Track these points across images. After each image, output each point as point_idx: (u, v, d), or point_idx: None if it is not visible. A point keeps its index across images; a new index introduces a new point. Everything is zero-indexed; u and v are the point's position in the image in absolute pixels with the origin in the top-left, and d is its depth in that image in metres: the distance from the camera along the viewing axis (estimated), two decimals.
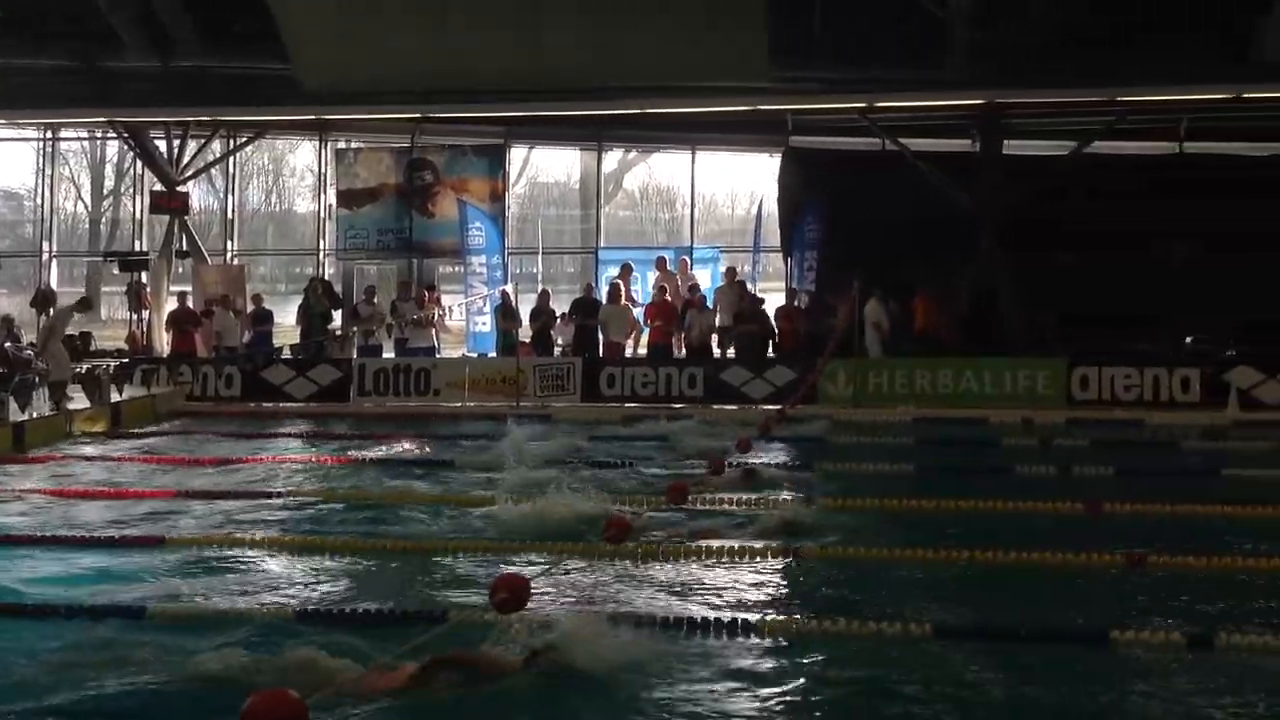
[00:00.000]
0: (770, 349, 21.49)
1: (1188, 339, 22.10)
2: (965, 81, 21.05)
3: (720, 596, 7.79)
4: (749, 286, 23.18)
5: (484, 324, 23.76)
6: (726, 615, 7.09)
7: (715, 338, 21.94)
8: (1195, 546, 8.71)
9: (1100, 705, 5.82)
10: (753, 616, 7.09)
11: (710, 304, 22.26)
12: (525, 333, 22.25)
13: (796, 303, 22.60)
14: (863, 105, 22.01)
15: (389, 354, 22.36)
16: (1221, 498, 10.83)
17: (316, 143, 27.64)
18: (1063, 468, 12.71)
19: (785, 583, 8.31)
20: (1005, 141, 22.54)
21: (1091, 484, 11.86)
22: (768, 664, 6.39)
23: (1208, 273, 23.21)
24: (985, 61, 20.60)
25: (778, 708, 5.79)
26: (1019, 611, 7.39)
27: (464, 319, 24.49)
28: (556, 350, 22.07)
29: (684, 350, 21.95)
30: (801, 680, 6.16)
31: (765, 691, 5.97)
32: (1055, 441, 15.29)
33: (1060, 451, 14.51)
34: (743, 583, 8.16)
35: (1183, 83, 20.25)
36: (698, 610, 7.33)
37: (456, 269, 25.85)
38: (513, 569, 7.87)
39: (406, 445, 15.53)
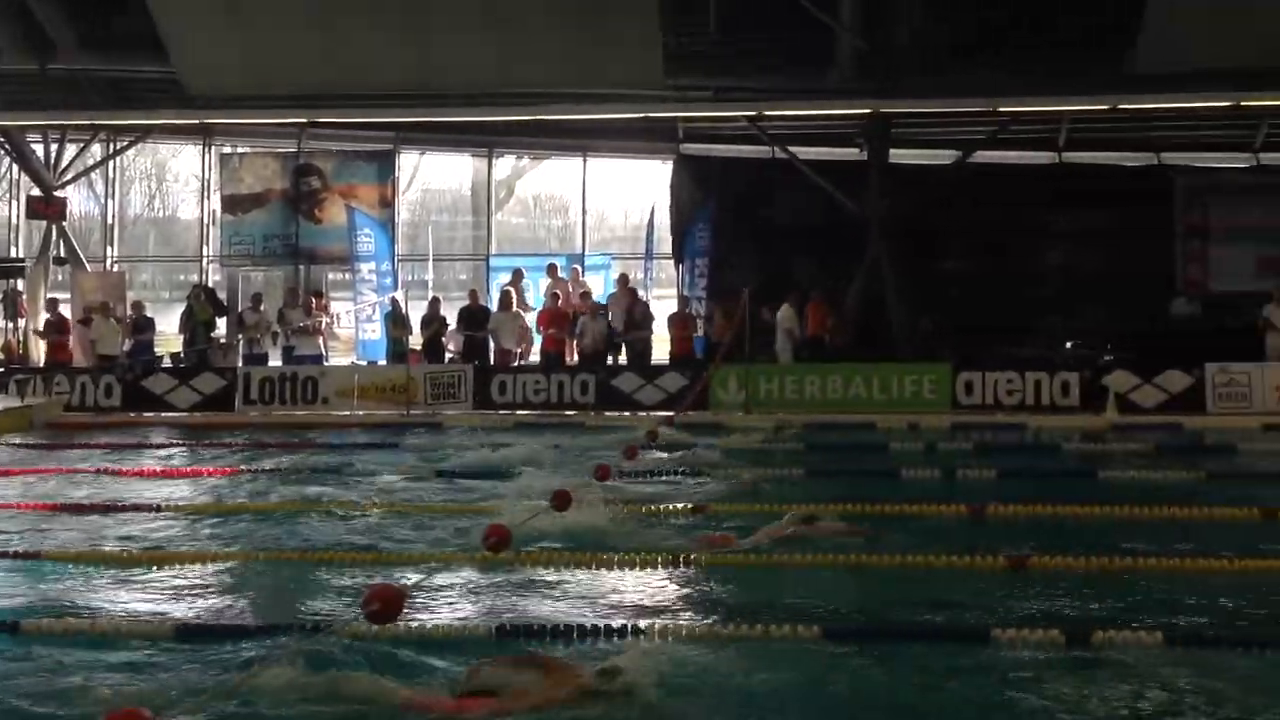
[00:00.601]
0: None
1: (1067, 344, 22.64)
2: (852, 91, 21.36)
3: (619, 601, 7.78)
4: (641, 294, 23.22)
5: (374, 331, 23.49)
6: (619, 621, 7.07)
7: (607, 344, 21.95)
8: (1075, 547, 8.91)
9: (983, 702, 5.91)
10: (654, 622, 7.07)
11: (602, 311, 22.25)
12: (416, 340, 22.04)
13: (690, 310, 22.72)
14: (752, 114, 22.18)
15: (275, 362, 21.99)
16: (1100, 499, 11.08)
17: (200, 147, 27.08)
18: (948, 471, 12.90)
19: (678, 589, 8.30)
20: (892, 150, 22.87)
21: (975, 486, 12.05)
22: (654, 669, 6.37)
23: (1086, 279, 23.89)
24: (872, 72, 20.92)
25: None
26: (906, 612, 7.48)
27: (353, 326, 24.18)
28: (448, 358, 21.89)
29: (576, 357, 21.93)
30: (698, 685, 6.15)
31: (653, 697, 5.95)
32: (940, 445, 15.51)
33: (946, 454, 14.73)
34: (638, 589, 8.15)
35: (1061, 94, 20.73)
36: (589, 618, 7.29)
37: (345, 276, 25.53)
38: (383, 580, 7.71)
39: (294, 454, 15.27)
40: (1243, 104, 21.24)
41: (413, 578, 8.03)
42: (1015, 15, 21.14)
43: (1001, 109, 21.58)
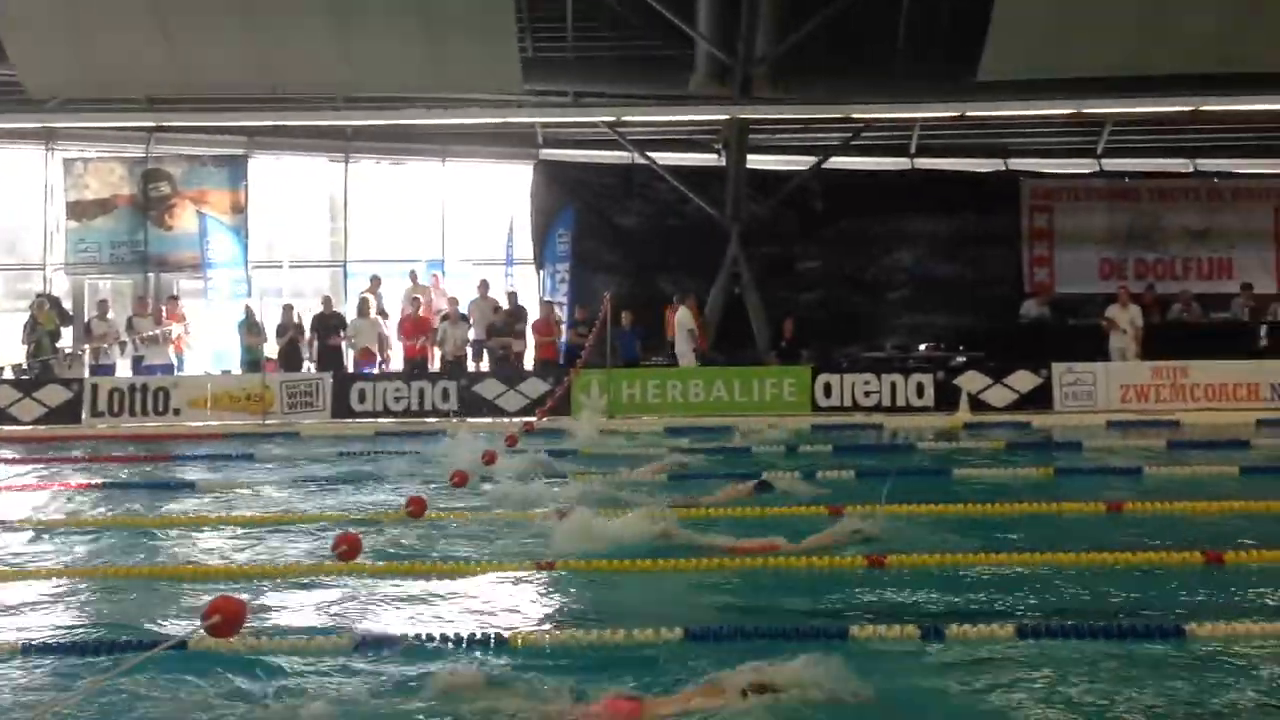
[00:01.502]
0: None
1: (921, 346, 23.15)
2: (710, 98, 21.54)
3: (475, 610, 7.69)
4: (505, 299, 23.10)
5: (227, 340, 22.91)
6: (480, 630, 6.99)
7: (469, 350, 21.80)
8: (930, 544, 9.09)
9: (846, 697, 5.97)
10: (505, 630, 7.00)
11: (464, 317, 22.08)
12: (272, 348, 21.59)
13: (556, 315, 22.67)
14: (611, 119, 22.23)
15: (124, 372, 21.33)
16: (954, 496, 11.32)
17: (43, 151, 26.10)
18: (808, 472, 13.04)
19: (536, 596, 8.24)
20: (750, 156, 23.12)
21: (833, 486, 12.21)
22: (515, 676, 6.32)
23: (938, 282, 24.50)
24: (729, 79, 21.13)
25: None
26: (766, 613, 7.53)
27: (206, 335, 23.57)
28: (305, 366, 21.49)
29: (437, 364, 21.72)
30: (550, 689, 6.10)
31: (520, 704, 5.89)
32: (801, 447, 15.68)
33: (806, 456, 14.91)
34: (493, 598, 8.07)
35: (912, 101, 21.18)
36: (457, 626, 7.19)
37: (197, 283, 24.86)
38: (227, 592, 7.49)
39: (144, 467, 14.83)
40: (1085, 110, 21.94)
41: (265, 589, 7.84)
42: (867, 25, 21.56)
43: (855, 116, 21.97)
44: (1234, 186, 25.10)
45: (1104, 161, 25.61)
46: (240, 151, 25.28)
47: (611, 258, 24.60)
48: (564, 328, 22.48)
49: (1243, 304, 23.17)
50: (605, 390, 19.67)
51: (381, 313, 22.52)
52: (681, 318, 21.31)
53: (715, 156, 24.63)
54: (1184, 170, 25.70)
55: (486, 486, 12.20)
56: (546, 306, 22.76)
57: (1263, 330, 21.92)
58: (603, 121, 22.89)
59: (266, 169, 26.14)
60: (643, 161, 23.66)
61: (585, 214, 24.34)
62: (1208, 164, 25.69)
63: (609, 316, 19.81)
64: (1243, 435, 15.74)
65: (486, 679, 6.04)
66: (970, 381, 19.58)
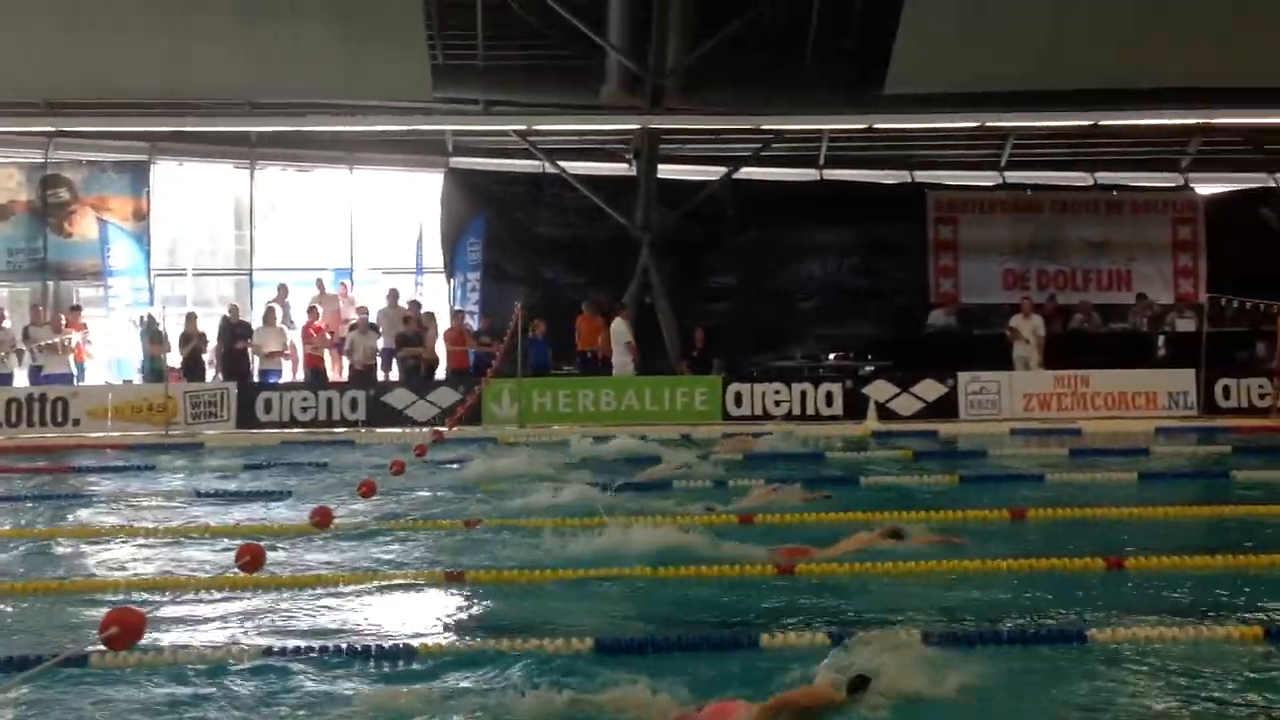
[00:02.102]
0: None
1: (830, 356, 23.37)
2: (621, 108, 21.58)
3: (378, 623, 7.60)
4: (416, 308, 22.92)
5: (129, 349, 22.45)
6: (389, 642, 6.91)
7: (379, 359, 21.60)
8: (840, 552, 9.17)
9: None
10: (414, 641, 6.93)
11: (373, 326, 21.86)
12: (175, 357, 21.20)
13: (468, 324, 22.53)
14: (522, 128, 22.17)
15: (22, 382, 20.80)
16: (863, 504, 11.43)
17: None
18: (718, 482, 13.09)
19: (446, 606, 8.17)
20: (661, 166, 23.19)
21: (745, 495, 12.25)
22: (427, 686, 6.26)
23: (847, 292, 24.77)
24: (641, 89, 21.18)
25: None
26: (680, 623, 7.53)
27: (107, 344, 23.07)
28: (209, 375, 21.14)
29: (345, 373, 21.49)
30: (458, 700, 6.07)
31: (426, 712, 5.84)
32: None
33: (717, 464, 14.96)
34: (401, 608, 8.00)
35: (820, 113, 21.39)
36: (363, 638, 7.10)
37: (99, 291, 24.32)
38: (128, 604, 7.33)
39: (40, 478, 14.47)
40: (988, 124, 22.32)
41: (166, 602, 7.69)
42: (777, 37, 21.75)
43: (765, 127, 22.14)
44: (1132, 199, 25.68)
45: (1007, 174, 26.08)
46: (143, 157, 24.77)
47: (522, 267, 24.54)
48: (474, 337, 22.34)
49: (1141, 314, 23.72)
50: (516, 399, 19.59)
51: (288, 321, 22.21)
52: (618, 329, 21.36)
53: (626, 166, 24.67)
54: (1084, 183, 26.25)
55: (395, 496, 12.10)
56: (457, 316, 22.61)
57: (1160, 340, 22.45)
58: (513, 130, 22.82)
59: (170, 175, 25.67)
60: (554, 171, 23.63)
61: (496, 223, 24.25)
62: (1107, 177, 26.27)
63: (520, 325, 19.73)
64: (1142, 443, 16.09)
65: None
66: (878, 390, 19.81)
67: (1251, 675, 6.09)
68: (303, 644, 6.86)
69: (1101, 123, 21.76)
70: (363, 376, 21.03)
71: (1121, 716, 5.77)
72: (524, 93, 22.24)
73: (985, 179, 26.19)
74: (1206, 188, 26.10)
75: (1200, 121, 22.27)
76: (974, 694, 6.00)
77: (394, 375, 21.66)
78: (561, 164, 23.41)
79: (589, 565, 8.89)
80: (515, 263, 24.49)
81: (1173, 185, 26.16)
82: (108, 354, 22.95)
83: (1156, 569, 8.61)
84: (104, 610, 7.79)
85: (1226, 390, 19.93)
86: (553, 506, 11.32)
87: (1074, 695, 6.02)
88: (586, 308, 22.26)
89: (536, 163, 24.18)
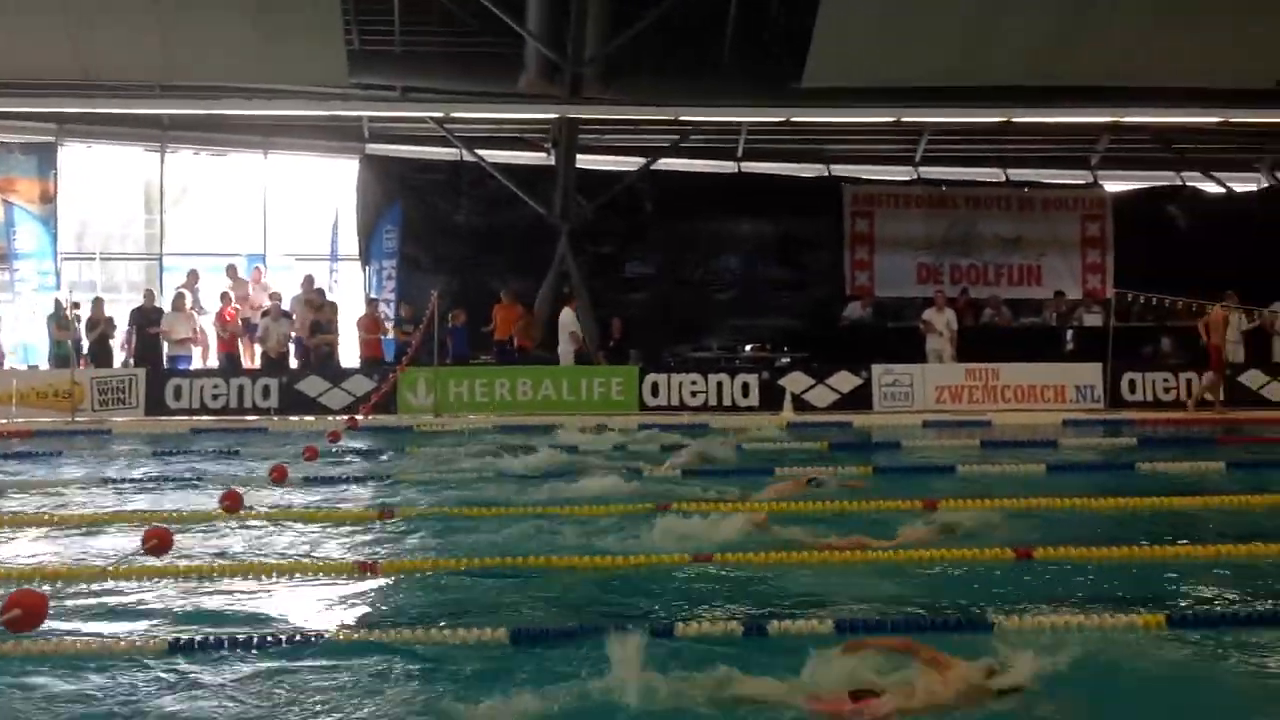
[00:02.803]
0: None
1: (747, 347, 23.51)
2: (540, 97, 21.48)
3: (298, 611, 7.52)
4: (328, 295, 22.67)
5: (35, 334, 21.94)
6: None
7: (291, 347, 21.33)
8: (756, 543, 9.22)
9: (671, 690, 6.01)
10: (326, 630, 6.87)
11: (286, 313, 21.59)
12: (82, 343, 20.78)
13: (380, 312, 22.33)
14: (439, 115, 21.98)
15: None
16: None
17: None
18: (633, 470, 13.10)
19: (362, 596, 8.09)
20: (580, 156, 23.13)
21: (661, 484, 12.29)
22: (338, 677, 6.21)
23: (764, 284, 24.93)
24: (560, 78, 21.10)
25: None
26: (586, 612, 7.53)
27: (12, 329, 22.54)
28: (118, 361, 20.73)
29: (258, 360, 21.19)
30: (369, 690, 6.02)
31: (338, 703, 5.79)
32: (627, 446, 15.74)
33: (635, 455, 14.98)
34: (313, 598, 7.91)
35: (738, 106, 21.46)
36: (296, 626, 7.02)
37: (3, 275, 23.72)
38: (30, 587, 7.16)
39: None
40: (904, 119, 22.55)
41: (71, 590, 7.55)
42: (696, 29, 21.78)
43: (683, 118, 22.17)
44: (1043, 196, 26.11)
45: (922, 169, 26.39)
46: (50, 139, 24.19)
47: (440, 255, 24.36)
48: (390, 325, 22.15)
49: (1050, 309, 24.15)
50: (432, 388, 19.46)
51: (198, 307, 21.86)
52: (565, 319, 21.36)
53: (545, 155, 24.59)
54: (997, 180, 26.63)
55: (306, 484, 11.99)
56: (372, 304, 22.40)
57: (1069, 334, 22.88)
58: (430, 117, 22.63)
59: (78, 157, 25.12)
60: (472, 159, 23.48)
61: (413, 211, 24.06)
62: (1019, 174, 26.68)
63: (436, 314, 19.60)
64: (1050, 435, 16.37)
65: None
66: (794, 382, 19.97)
67: (1154, 662, 6.23)
68: (212, 632, 6.77)
69: (1014, 120, 22.08)
70: (275, 364, 20.75)
71: (1029, 704, 5.87)
72: (442, 79, 22.03)
73: (901, 174, 26.48)
74: (1115, 185, 26.60)
75: (1109, 120, 22.69)
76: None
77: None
78: (480, 152, 23.28)
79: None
80: (432, 251, 24.31)
81: (1083, 183, 26.64)
82: (12, 339, 22.43)
83: (1064, 559, 8.76)
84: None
85: (1132, 384, 20.37)
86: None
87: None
88: (504, 297, 22.17)
89: (454, 150, 24.01)
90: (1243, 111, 21.38)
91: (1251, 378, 20.53)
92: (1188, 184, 26.21)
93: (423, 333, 19.67)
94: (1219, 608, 7.63)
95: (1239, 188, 25.27)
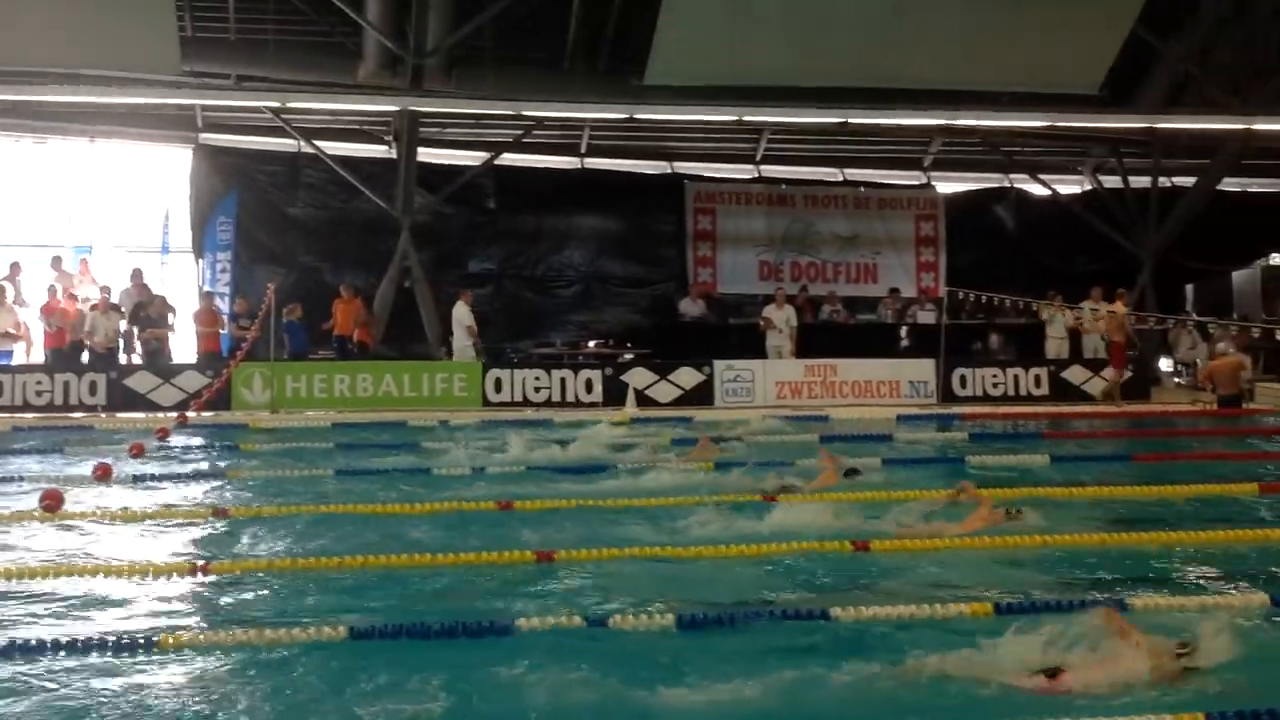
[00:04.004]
0: None
1: (591, 343, 23.55)
2: (380, 88, 21.17)
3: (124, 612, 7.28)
4: (161, 289, 22.00)
5: None
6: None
7: (121, 342, 20.64)
8: (599, 538, 9.26)
9: (506, 688, 6.00)
10: (155, 633, 6.65)
11: (115, 306, 20.87)
12: None
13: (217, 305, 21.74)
14: (276, 105, 21.48)
15: None
16: (621, 491, 11.54)
17: None
18: (477, 468, 13.02)
19: (192, 597, 7.87)
20: (422, 149, 22.87)
21: (504, 481, 12.24)
22: (170, 679, 6.03)
23: (607, 280, 25.01)
24: (400, 70, 20.84)
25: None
26: (437, 608, 7.45)
27: None
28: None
29: (86, 355, 20.44)
30: (203, 692, 5.87)
31: (171, 706, 5.63)
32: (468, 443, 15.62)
33: (478, 452, 14.88)
34: (142, 599, 7.67)
35: (582, 101, 21.47)
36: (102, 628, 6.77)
37: None
38: None
39: None
40: (745, 118, 22.82)
41: None
42: (539, 23, 21.74)
43: (526, 113, 22.08)
44: (879, 196, 26.70)
45: (763, 168, 26.75)
46: None
47: (276, 248, 23.83)
48: (225, 319, 21.58)
49: (886, 306, 24.74)
50: (269, 384, 19.03)
51: (20, 301, 20.99)
52: (459, 313, 21.09)
53: (386, 148, 24.24)
54: (835, 179, 27.15)
55: (134, 482, 11.63)
56: (208, 297, 21.79)
57: (904, 331, 23.46)
58: (266, 107, 22.11)
59: None
60: (310, 150, 23.01)
61: (248, 202, 23.49)
62: (856, 174, 27.25)
63: (273, 308, 19.17)
64: (885, 430, 16.75)
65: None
66: (637, 378, 20.06)
67: (981, 649, 6.42)
68: (31, 636, 6.52)
69: (851, 121, 22.53)
70: (103, 359, 20.04)
71: (862, 689, 6.01)
72: (278, 69, 21.52)
73: (743, 172, 26.80)
74: (947, 186, 27.36)
75: (941, 123, 23.29)
76: (721, 672, 6.14)
77: (136, 358, 20.74)
78: (319, 144, 22.82)
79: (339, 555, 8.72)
80: (269, 244, 23.77)
81: (916, 183, 27.32)
82: None
83: (898, 551, 8.98)
84: None
85: (963, 379, 20.98)
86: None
87: (818, 672, 6.22)
88: (344, 291, 21.80)
89: (292, 141, 23.48)
90: (1067, 116, 22.16)
91: (1073, 373, 21.32)
92: (1015, 186, 27.10)
93: (258, 327, 19.21)
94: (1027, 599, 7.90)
95: (1064, 190, 26.20)
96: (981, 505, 9.73)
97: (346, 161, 22.96)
